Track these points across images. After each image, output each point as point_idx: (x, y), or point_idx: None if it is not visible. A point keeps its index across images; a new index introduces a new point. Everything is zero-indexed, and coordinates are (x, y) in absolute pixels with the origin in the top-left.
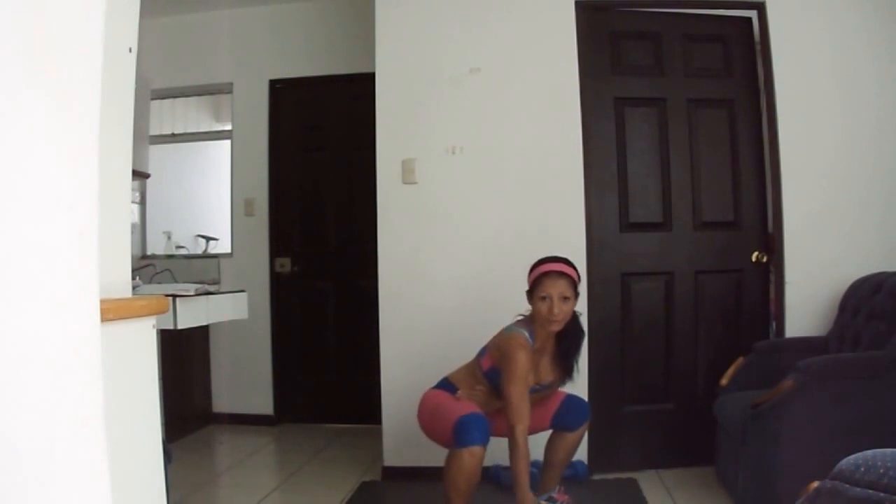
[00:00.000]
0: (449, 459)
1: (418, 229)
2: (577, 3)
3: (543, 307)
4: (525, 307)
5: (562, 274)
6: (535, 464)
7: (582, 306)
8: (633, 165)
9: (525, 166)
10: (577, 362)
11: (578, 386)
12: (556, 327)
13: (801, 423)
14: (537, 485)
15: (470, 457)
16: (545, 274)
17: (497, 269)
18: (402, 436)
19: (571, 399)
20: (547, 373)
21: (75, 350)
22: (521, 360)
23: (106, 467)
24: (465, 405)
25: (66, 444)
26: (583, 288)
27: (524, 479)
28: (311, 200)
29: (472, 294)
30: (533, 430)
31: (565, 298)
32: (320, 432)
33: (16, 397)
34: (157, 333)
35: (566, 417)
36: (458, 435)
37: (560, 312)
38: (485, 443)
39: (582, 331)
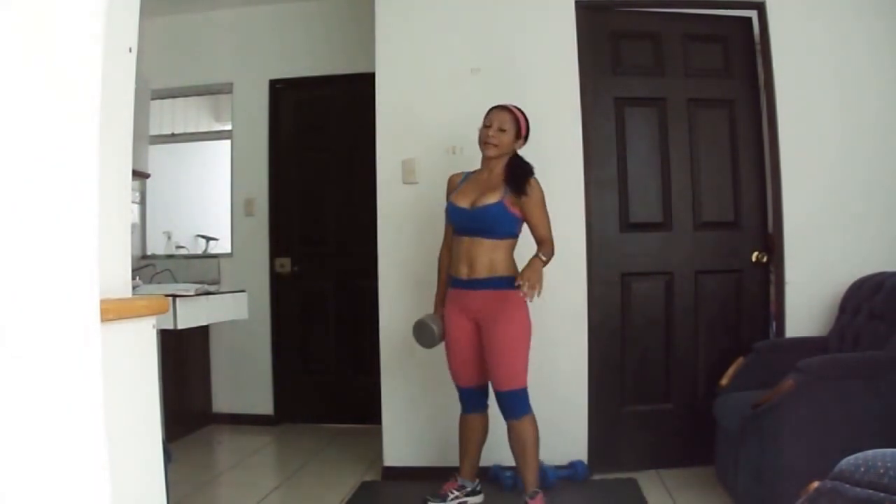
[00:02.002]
0: None
1: (418, 229)
2: (577, 3)
3: (482, 133)
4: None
5: (505, 108)
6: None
7: (582, 306)
8: (633, 165)
9: None
10: (523, 184)
11: (578, 386)
12: (491, 151)
13: (801, 423)
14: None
15: (464, 420)
16: (492, 108)
17: None
18: (402, 436)
19: (515, 397)
20: (488, 195)
21: (75, 350)
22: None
23: (106, 467)
24: (458, 371)
25: (67, 444)
26: (583, 288)
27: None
28: (311, 200)
29: None
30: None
31: (502, 130)
32: (320, 432)
33: (16, 397)
34: (157, 333)
35: (505, 403)
36: (460, 401)
37: (495, 138)
38: (476, 411)
39: (527, 164)
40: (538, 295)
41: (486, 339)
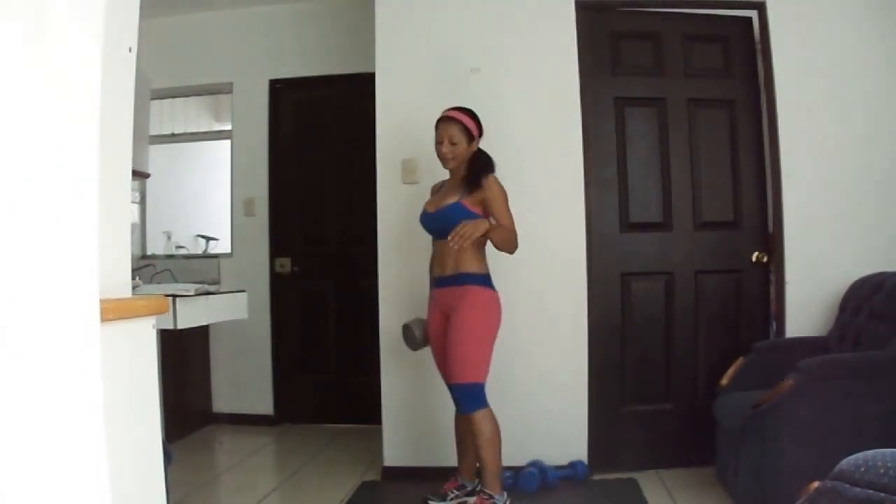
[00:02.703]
0: None
1: (418, 229)
2: (577, 3)
3: (437, 148)
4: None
5: (451, 119)
6: (533, 464)
7: (582, 306)
8: (633, 165)
9: (525, 166)
10: (477, 181)
11: (578, 386)
12: (451, 165)
13: (801, 423)
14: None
15: (456, 418)
16: (439, 120)
17: (496, 269)
18: (402, 436)
19: (462, 391)
20: (448, 197)
21: (75, 350)
22: None
23: (106, 467)
24: (439, 368)
25: (67, 444)
26: (583, 288)
27: None
28: (311, 200)
29: None
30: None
31: (453, 144)
32: (320, 432)
33: (15, 397)
34: (157, 333)
35: (454, 396)
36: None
37: (449, 152)
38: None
39: (486, 162)
40: (460, 242)
41: (445, 332)
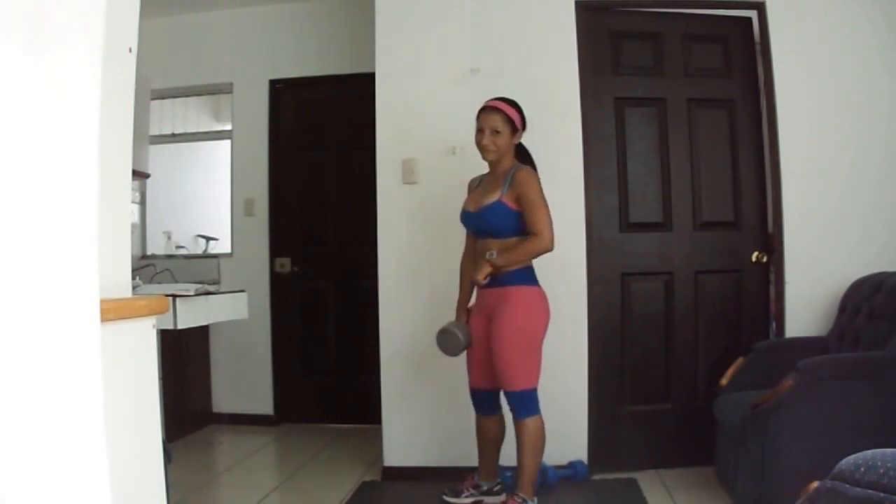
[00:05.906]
0: None
1: (418, 229)
2: (577, 3)
3: (477, 137)
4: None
5: (495, 109)
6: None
7: (582, 306)
8: (633, 165)
9: None
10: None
11: (578, 386)
12: (490, 156)
13: (801, 423)
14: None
15: (476, 421)
16: (482, 109)
17: None
18: (402, 436)
19: (513, 398)
20: (489, 195)
21: (75, 350)
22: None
23: (106, 467)
24: (470, 369)
25: (66, 444)
26: (583, 288)
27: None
28: (311, 200)
29: None
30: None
31: (496, 132)
32: (320, 432)
33: (15, 397)
34: (157, 333)
35: (508, 402)
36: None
37: (490, 143)
38: (483, 413)
39: (529, 155)
40: (482, 281)
41: (490, 338)
